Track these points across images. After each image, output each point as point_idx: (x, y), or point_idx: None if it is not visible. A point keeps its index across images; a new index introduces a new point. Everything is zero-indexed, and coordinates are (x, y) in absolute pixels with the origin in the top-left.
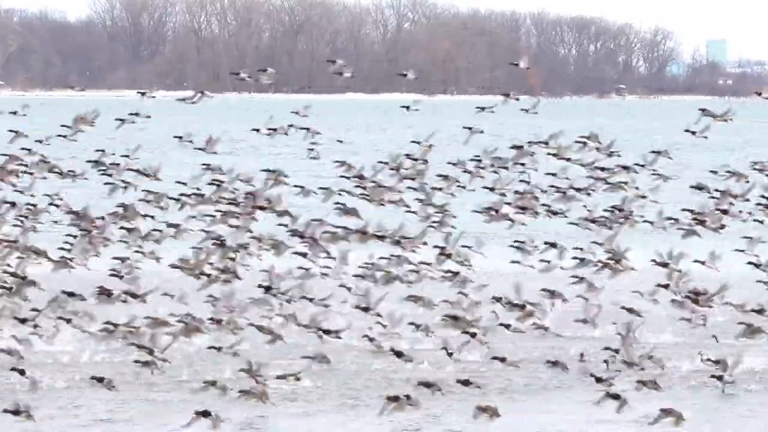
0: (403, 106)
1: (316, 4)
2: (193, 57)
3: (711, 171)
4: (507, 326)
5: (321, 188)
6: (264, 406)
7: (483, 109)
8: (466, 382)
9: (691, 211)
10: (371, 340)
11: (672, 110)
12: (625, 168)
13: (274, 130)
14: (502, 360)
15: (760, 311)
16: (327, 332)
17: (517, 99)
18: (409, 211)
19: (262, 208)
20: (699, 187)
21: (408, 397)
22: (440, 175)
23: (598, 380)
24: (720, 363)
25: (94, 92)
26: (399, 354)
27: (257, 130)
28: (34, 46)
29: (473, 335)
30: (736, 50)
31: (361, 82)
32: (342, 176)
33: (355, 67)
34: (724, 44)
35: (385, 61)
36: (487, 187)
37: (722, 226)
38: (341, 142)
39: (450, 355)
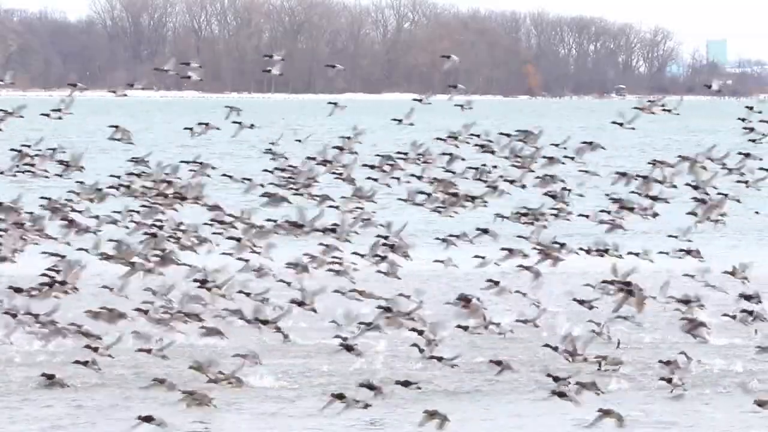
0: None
1: (316, 4)
2: (193, 57)
3: (650, 162)
4: (465, 328)
5: (245, 179)
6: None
7: (420, 100)
8: (405, 383)
9: (617, 201)
10: (345, 339)
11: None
12: (550, 159)
13: (206, 125)
14: (439, 359)
15: (686, 302)
16: (265, 323)
17: (465, 92)
18: (332, 206)
19: (183, 199)
20: (622, 174)
21: (356, 399)
22: (366, 165)
23: (555, 379)
24: (670, 365)
25: (93, 92)
26: (349, 348)
27: (190, 129)
28: (34, 46)
29: (420, 332)
30: (736, 50)
31: (361, 82)
32: (265, 170)
33: (356, 67)
34: (724, 44)
35: (385, 61)
36: (414, 175)
37: (655, 214)
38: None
39: (421, 351)
